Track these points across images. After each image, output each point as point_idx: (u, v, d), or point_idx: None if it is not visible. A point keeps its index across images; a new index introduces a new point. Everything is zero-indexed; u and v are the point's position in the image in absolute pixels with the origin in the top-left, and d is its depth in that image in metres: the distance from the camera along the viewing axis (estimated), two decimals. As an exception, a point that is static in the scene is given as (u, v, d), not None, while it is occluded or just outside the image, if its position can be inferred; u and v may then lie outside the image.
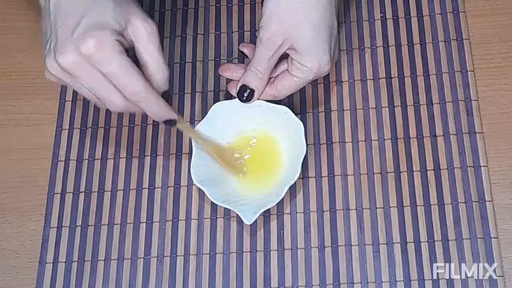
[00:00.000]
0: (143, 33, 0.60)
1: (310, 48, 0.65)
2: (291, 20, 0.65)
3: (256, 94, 0.69)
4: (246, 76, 0.68)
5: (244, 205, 0.67)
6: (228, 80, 0.74)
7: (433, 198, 0.68)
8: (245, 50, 0.74)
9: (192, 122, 0.73)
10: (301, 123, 0.69)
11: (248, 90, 0.69)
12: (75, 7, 0.60)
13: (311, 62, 0.66)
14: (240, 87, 0.69)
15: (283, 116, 0.70)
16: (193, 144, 0.69)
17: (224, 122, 0.70)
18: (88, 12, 0.59)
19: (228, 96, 0.73)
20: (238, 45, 0.77)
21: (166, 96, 0.63)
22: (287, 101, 0.71)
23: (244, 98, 0.69)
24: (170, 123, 0.64)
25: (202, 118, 0.71)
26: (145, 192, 0.71)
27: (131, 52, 0.61)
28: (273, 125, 0.70)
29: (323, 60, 0.66)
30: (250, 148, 0.71)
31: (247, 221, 0.66)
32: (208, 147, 0.69)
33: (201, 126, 0.70)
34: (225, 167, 0.69)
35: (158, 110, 0.62)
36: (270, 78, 0.69)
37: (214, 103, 0.71)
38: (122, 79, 0.59)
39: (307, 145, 0.68)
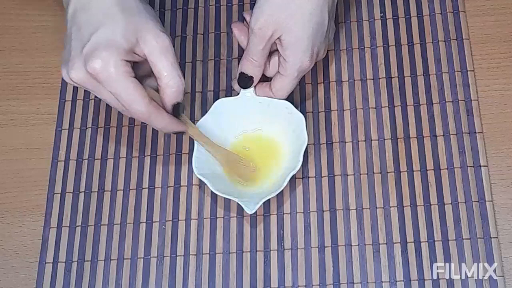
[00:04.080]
0: (155, 48, 0.61)
1: (294, 43, 0.65)
2: (282, 11, 0.65)
3: (255, 80, 0.69)
4: (243, 65, 0.69)
5: (245, 197, 0.67)
6: (228, 80, 0.74)
7: (433, 198, 0.68)
8: (236, 31, 0.72)
9: (192, 121, 0.73)
10: (302, 116, 0.69)
11: (247, 77, 0.69)
12: (88, 22, 0.61)
13: (293, 56, 0.66)
14: (239, 74, 0.70)
15: (285, 110, 0.70)
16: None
17: (227, 118, 0.71)
18: (99, 29, 0.60)
19: (228, 96, 0.73)
20: (238, 44, 0.77)
21: (179, 107, 0.64)
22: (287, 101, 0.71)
23: (244, 84, 0.70)
24: (179, 133, 0.66)
25: (203, 117, 0.71)
26: (145, 192, 0.71)
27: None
28: (275, 119, 0.71)
29: (305, 56, 0.66)
30: (251, 146, 0.71)
31: (249, 210, 0.66)
32: (218, 155, 0.69)
33: (203, 122, 0.70)
34: (232, 175, 0.69)
35: (164, 125, 0.64)
36: (266, 81, 0.70)
37: (213, 102, 0.71)
38: (124, 100, 0.61)
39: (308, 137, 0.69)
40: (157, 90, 0.64)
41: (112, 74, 0.59)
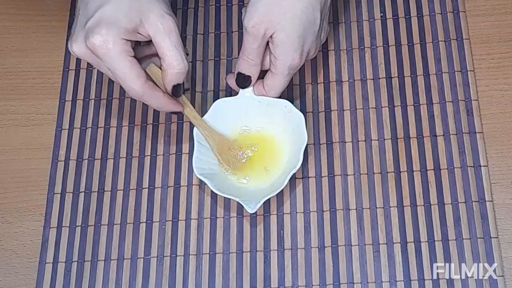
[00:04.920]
0: (159, 29, 0.62)
1: (285, 41, 0.65)
2: (274, 10, 0.65)
3: (252, 80, 0.69)
4: (240, 65, 0.69)
5: (246, 196, 0.67)
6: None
7: (433, 198, 0.68)
8: (229, 82, 0.73)
9: (192, 121, 0.73)
10: (302, 114, 0.69)
11: (245, 77, 0.69)
12: None
13: (283, 55, 0.66)
14: (237, 74, 0.70)
15: (284, 109, 0.70)
16: (195, 138, 0.69)
17: (226, 118, 0.71)
18: (103, 5, 0.61)
19: (228, 96, 0.73)
20: (238, 44, 0.77)
21: (179, 88, 0.64)
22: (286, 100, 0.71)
23: (242, 84, 0.70)
24: (175, 113, 0.67)
25: (202, 117, 0.71)
26: (145, 192, 0.71)
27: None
28: (275, 119, 0.71)
29: (295, 54, 0.66)
30: (253, 147, 0.71)
31: (250, 209, 0.66)
32: (211, 139, 0.69)
33: None
34: (221, 162, 0.70)
35: (159, 105, 0.65)
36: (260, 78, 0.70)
37: (213, 102, 0.71)
38: (120, 78, 0.62)
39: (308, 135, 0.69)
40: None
41: (110, 51, 0.60)
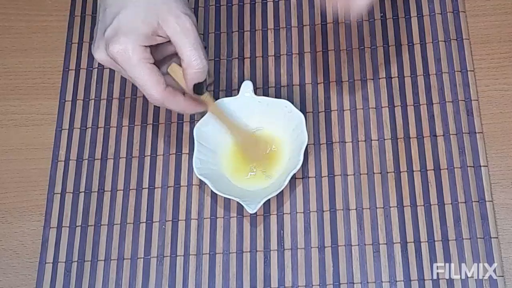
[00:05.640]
0: (176, 30, 0.62)
1: None
2: None
3: None
4: None
5: (246, 196, 0.67)
6: (228, 80, 0.74)
7: (433, 198, 0.68)
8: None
9: (192, 121, 0.73)
10: (302, 115, 0.69)
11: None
12: (113, 3, 0.62)
13: None
14: None
15: (284, 109, 0.70)
16: (195, 138, 0.69)
17: None
18: (120, 12, 0.61)
19: (228, 96, 0.73)
20: (238, 45, 0.77)
21: (201, 86, 0.64)
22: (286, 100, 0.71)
23: None
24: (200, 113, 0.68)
25: (202, 117, 0.71)
26: (145, 192, 0.71)
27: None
28: (275, 119, 0.71)
29: None
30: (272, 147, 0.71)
31: (251, 210, 0.66)
32: (238, 136, 0.70)
33: (203, 122, 0.70)
34: (248, 156, 0.70)
35: (181, 109, 0.66)
36: None
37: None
38: (140, 85, 0.63)
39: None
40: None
41: (129, 59, 0.61)
